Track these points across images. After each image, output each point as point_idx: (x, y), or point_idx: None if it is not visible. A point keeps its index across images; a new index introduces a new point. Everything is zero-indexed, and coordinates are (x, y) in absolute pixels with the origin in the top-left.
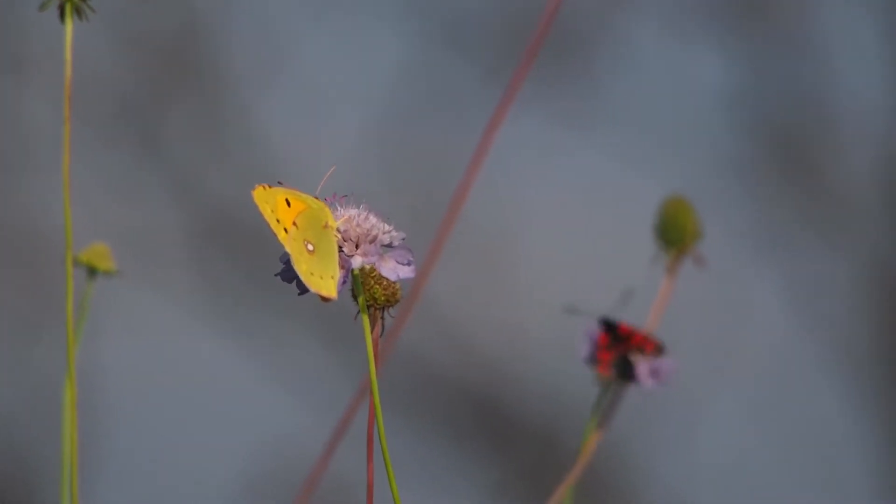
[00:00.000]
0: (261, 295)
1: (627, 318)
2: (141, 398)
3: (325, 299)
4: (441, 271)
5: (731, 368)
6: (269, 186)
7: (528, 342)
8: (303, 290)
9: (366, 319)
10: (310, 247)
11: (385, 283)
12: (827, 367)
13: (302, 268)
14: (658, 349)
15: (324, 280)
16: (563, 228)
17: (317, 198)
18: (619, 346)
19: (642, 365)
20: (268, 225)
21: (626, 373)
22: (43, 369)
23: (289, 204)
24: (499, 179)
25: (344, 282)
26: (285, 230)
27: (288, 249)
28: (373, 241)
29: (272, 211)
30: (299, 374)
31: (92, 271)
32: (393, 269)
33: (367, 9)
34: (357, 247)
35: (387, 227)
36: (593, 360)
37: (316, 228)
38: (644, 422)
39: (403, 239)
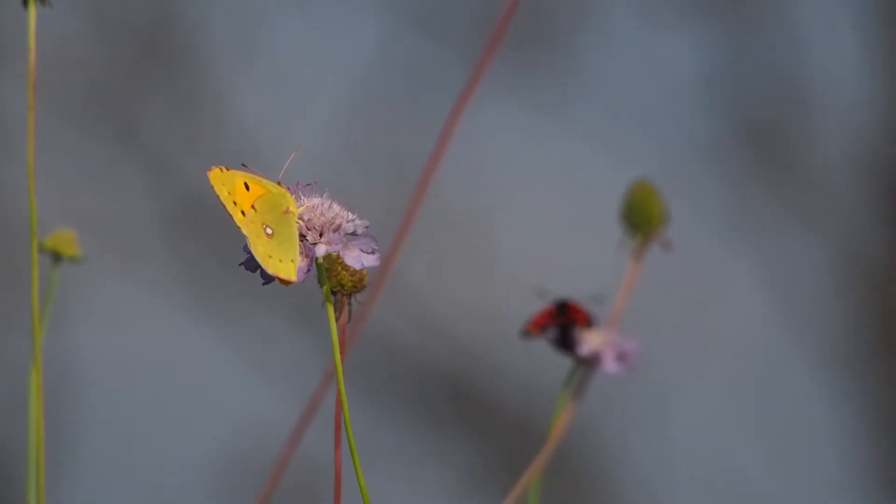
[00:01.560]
0: (232, 281)
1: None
2: (110, 384)
3: (284, 282)
4: (412, 255)
5: (705, 352)
6: (227, 169)
7: (500, 325)
8: (267, 279)
9: (330, 308)
10: (268, 230)
11: (352, 269)
12: (801, 350)
13: (259, 250)
14: (588, 321)
15: (283, 263)
16: (536, 211)
17: (278, 183)
18: (559, 318)
19: (608, 350)
20: (224, 207)
21: (562, 342)
22: (9, 357)
23: (247, 188)
24: (472, 163)
25: (308, 270)
26: (242, 213)
27: (245, 232)
28: (336, 229)
29: (229, 193)
30: (270, 360)
31: (57, 257)
32: (357, 258)
33: None
34: (321, 235)
35: (350, 216)
36: (559, 343)
37: (276, 213)
38: (617, 407)
39: (367, 227)
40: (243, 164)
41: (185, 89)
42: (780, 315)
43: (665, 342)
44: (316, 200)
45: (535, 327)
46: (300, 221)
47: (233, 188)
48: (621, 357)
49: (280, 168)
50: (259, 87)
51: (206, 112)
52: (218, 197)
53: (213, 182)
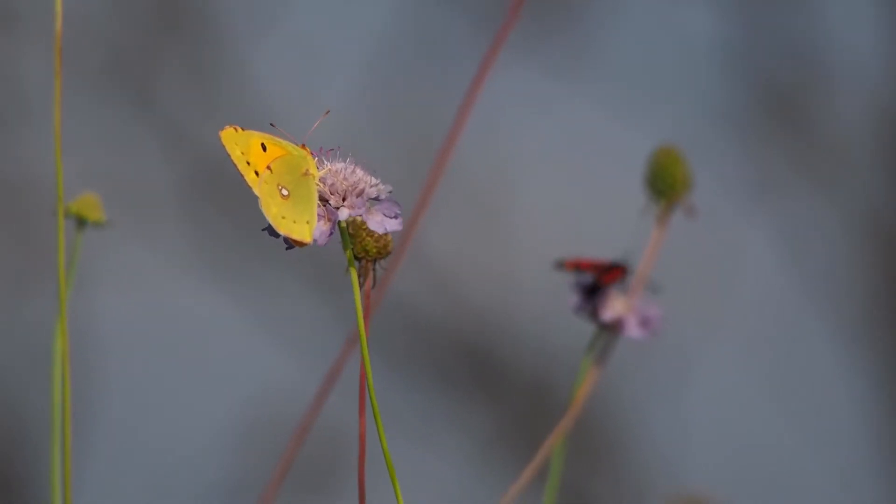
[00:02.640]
0: (253, 246)
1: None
2: (132, 349)
3: (299, 244)
4: (433, 222)
5: (724, 318)
6: (242, 129)
7: (520, 292)
8: (290, 244)
9: (353, 273)
10: (284, 192)
11: (376, 235)
12: (821, 317)
13: (272, 210)
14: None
15: (297, 224)
16: (555, 179)
17: (302, 146)
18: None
19: (631, 315)
20: (235, 167)
21: (587, 305)
22: (34, 320)
23: (265, 149)
24: (492, 131)
25: (331, 233)
26: (256, 173)
27: (256, 192)
28: (360, 194)
29: (242, 153)
30: (292, 325)
31: (81, 222)
32: (380, 222)
33: None
34: (344, 199)
35: (374, 181)
36: (583, 309)
37: (294, 175)
38: (637, 373)
39: (391, 192)
40: (271, 125)
41: (203, 55)
42: (800, 282)
43: (685, 307)
44: (339, 165)
45: (571, 265)
46: (322, 185)
47: (247, 148)
48: (644, 322)
49: (300, 133)
50: (278, 54)
51: (225, 78)
52: (229, 156)
53: (224, 141)
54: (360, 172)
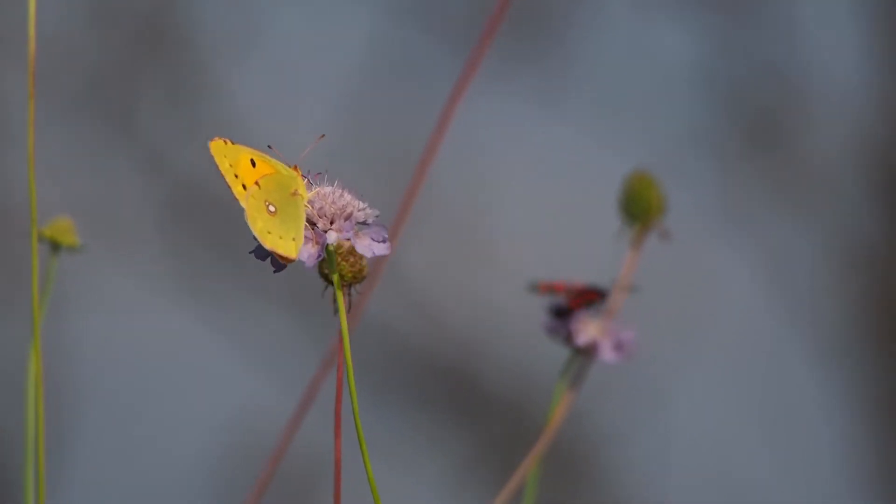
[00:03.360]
0: (229, 270)
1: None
2: (106, 372)
3: (284, 260)
4: (409, 244)
5: (702, 341)
6: (233, 142)
7: (498, 314)
8: (278, 267)
9: (339, 296)
10: (271, 208)
11: (351, 259)
12: (798, 339)
13: (258, 224)
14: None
15: (283, 240)
16: (533, 202)
17: (294, 167)
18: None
19: (605, 339)
20: (223, 178)
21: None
22: (9, 344)
23: (254, 165)
24: (471, 154)
25: (319, 256)
26: (244, 187)
27: (243, 205)
28: (348, 217)
29: (230, 166)
30: (267, 348)
31: (55, 246)
32: (368, 246)
33: None
34: (332, 223)
35: (362, 205)
36: (557, 332)
37: (282, 193)
38: (614, 396)
39: (378, 216)
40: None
41: (182, 80)
42: (777, 304)
43: (662, 331)
44: (327, 188)
45: (545, 288)
46: (310, 207)
47: (236, 162)
48: (618, 346)
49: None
50: (256, 76)
51: (204, 102)
52: (217, 167)
53: (213, 152)
54: (348, 196)
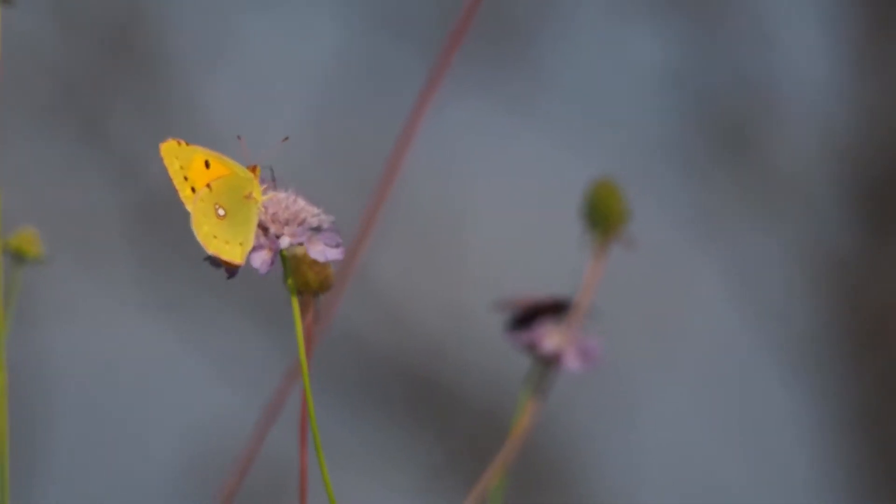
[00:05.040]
0: (196, 279)
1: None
2: (71, 383)
3: (229, 266)
4: (377, 252)
5: (671, 350)
6: (186, 143)
7: (467, 321)
8: (231, 273)
9: (295, 303)
10: (220, 211)
11: (318, 268)
12: (769, 348)
13: (203, 229)
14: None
15: (228, 245)
16: (501, 208)
17: (253, 168)
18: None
19: (570, 348)
20: (171, 181)
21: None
22: None
23: (208, 166)
24: (440, 161)
25: (272, 262)
26: (193, 190)
27: (189, 208)
28: (301, 223)
29: (181, 167)
30: (232, 358)
31: (20, 257)
32: (321, 252)
33: None
34: (285, 228)
35: (315, 210)
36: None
37: (235, 196)
38: (582, 405)
39: (333, 222)
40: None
41: (150, 87)
42: (748, 313)
43: (631, 340)
44: (281, 194)
45: (509, 306)
46: (263, 213)
47: (188, 163)
48: (583, 355)
49: (247, 162)
50: (224, 85)
51: (172, 110)
52: (167, 169)
53: (163, 153)
54: (301, 202)
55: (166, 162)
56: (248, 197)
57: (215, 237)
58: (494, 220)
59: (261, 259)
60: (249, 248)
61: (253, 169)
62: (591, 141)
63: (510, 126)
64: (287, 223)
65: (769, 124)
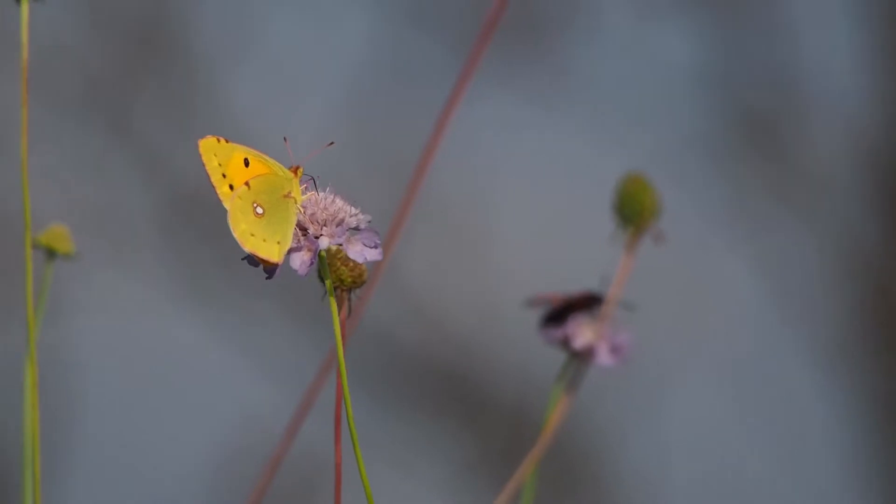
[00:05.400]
0: (229, 274)
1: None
2: (105, 379)
3: (266, 264)
4: (409, 248)
5: (701, 343)
6: (227, 141)
7: (498, 317)
8: (270, 273)
9: (333, 302)
10: (259, 210)
11: (351, 264)
12: (797, 343)
13: (240, 227)
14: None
15: (266, 243)
16: (531, 203)
17: (295, 168)
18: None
19: (602, 343)
20: (208, 178)
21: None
22: (6, 354)
23: (247, 164)
24: (471, 157)
25: (311, 263)
26: (231, 187)
27: (226, 206)
28: (339, 223)
29: (219, 164)
30: (266, 354)
31: (51, 254)
32: (360, 252)
33: None
34: (323, 228)
35: (353, 210)
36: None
37: (273, 195)
38: (613, 399)
39: (370, 222)
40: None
41: (178, 82)
42: (777, 308)
43: (662, 335)
44: (319, 194)
45: (540, 301)
46: (302, 213)
47: (227, 161)
48: (615, 349)
49: (279, 159)
50: (253, 79)
51: (200, 104)
52: (204, 166)
53: (202, 150)
54: (339, 202)
55: (204, 159)
56: (287, 196)
57: (252, 235)
58: (524, 216)
59: (300, 260)
60: (287, 246)
61: (295, 169)
62: (621, 136)
63: (540, 121)
64: (325, 224)
65: (797, 120)
